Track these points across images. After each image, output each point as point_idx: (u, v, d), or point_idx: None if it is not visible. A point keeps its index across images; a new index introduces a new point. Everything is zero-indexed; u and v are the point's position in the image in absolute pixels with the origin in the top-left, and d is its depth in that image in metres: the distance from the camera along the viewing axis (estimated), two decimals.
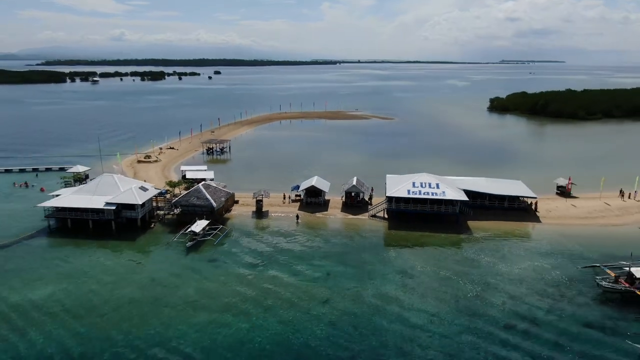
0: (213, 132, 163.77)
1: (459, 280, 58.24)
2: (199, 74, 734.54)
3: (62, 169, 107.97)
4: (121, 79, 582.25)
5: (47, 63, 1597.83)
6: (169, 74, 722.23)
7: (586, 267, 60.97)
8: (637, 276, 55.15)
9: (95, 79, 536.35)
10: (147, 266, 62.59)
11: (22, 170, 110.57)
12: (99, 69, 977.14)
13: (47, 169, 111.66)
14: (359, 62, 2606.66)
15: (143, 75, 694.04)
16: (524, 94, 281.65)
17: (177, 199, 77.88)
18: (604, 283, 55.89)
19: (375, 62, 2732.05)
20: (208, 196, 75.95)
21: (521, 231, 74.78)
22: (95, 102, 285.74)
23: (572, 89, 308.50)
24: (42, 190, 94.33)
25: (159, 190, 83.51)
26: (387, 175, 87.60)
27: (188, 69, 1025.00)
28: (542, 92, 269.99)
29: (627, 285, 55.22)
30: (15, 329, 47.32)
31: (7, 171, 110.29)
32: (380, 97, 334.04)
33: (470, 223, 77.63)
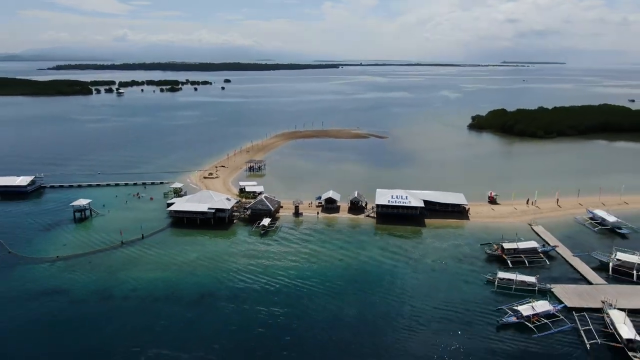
0: (248, 151, 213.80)
1: (414, 249, 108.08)
2: (210, 83, 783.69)
3: (161, 183, 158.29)
4: (142, 90, 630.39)
5: (58, 67, 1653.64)
6: (182, 83, 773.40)
7: (484, 244, 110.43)
8: (505, 247, 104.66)
9: (120, 91, 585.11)
10: (234, 245, 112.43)
11: (126, 184, 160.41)
12: (109, 75, 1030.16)
13: (144, 183, 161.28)
14: (360, 64, 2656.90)
15: (158, 84, 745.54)
16: (502, 111, 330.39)
17: (249, 205, 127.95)
18: (487, 250, 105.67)
19: (377, 64, 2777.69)
20: (268, 204, 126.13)
21: (456, 225, 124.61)
22: (135, 119, 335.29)
23: (544, 106, 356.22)
24: (151, 199, 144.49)
25: (236, 200, 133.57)
26: (377, 190, 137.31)
27: (197, 75, 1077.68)
28: (514, 112, 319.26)
29: (500, 252, 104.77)
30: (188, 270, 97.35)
31: (116, 185, 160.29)
32: (378, 112, 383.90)
33: (427, 220, 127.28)
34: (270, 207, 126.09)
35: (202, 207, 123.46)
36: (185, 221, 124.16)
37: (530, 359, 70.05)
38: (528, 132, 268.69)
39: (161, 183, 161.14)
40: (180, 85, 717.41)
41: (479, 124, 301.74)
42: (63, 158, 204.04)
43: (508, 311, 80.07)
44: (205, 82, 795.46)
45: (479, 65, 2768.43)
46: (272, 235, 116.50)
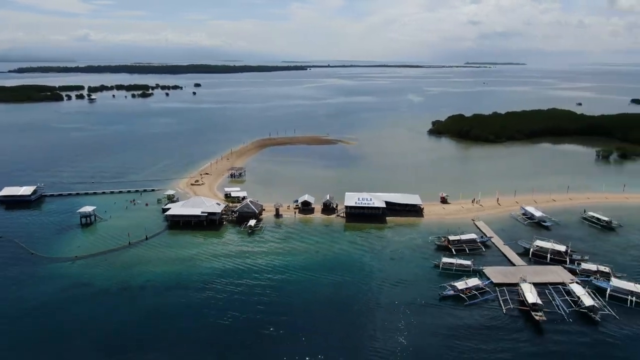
0: (228, 159, 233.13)
1: (377, 242, 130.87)
2: (181, 88, 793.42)
3: (153, 190, 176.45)
4: (113, 96, 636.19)
5: (20, 70, 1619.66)
6: (153, 88, 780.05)
7: (434, 235, 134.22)
8: (450, 239, 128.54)
9: (92, 97, 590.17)
10: (226, 243, 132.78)
11: (120, 192, 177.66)
12: (75, 78, 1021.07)
13: (137, 191, 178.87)
14: (328, 66, 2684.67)
15: (129, 89, 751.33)
16: (460, 116, 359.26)
17: (237, 208, 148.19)
18: (436, 242, 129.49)
19: (344, 65, 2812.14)
20: (253, 207, 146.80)
21: (412, 222, 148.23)
22: (114, 127, 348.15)
23: (500, 110, 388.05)
24: (146, 205, 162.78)
25: (225, 205, 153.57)
26: (346, 193, 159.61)
27: (165, 78, 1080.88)
28: (470, 117, 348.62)
29: (446, 243, 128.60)
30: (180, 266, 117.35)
31: (111, 192, 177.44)
32: (347, 118, 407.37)
33: (388, 218, 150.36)
34: (255, 210, 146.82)
35: (196, 211, 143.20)
36: (181, 224, 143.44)
37: (462, 320, 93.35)
38: (481, 137, 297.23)
39: (152, 190, 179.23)
40: (151, 90, 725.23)
41: (438, 129, 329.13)
42: (54, 167, 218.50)
43: (447, 287, 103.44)
44: (175, 87, 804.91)
45: (443, 67, 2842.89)
46: (258, 234, 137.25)
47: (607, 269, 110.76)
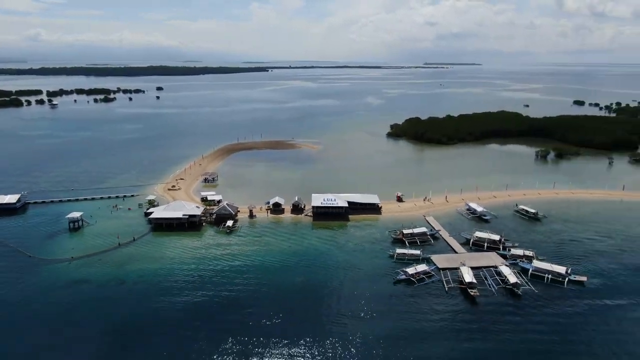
0: (200, 164, 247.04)
1: (341, 237, 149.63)
2: (144, 92, 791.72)
3: (132, 196, 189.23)
4: (75, 101, 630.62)
5: None
6: (114, 91, 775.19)
7: (390, 230, 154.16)
8: (404, 232, 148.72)
9: (54, 102, 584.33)
10: (208, 241, 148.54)
11: (102, 198, 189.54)
12: (31, 82, 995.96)
13: (117, 196, 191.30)
14: (289, 67, 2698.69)
15: (89, 93, 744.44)
16: (417, 119, 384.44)
17: (215, 210, 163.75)
18: (392, 235, 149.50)
19: (305, 66, 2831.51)
20: (230, 209, 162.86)
21: (371, 219, 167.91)
22: (82, 134, 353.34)
23: (454, 113, 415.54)
24: (129, 209, 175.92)
25: (203, 208, 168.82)
26: (312, 194, 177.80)
27: (125, 81, 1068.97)
28: (426, 120, 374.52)
29: (401, 236, 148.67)
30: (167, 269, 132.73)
31: (92, 199, 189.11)
32: (310, 122, 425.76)
33: (350, 216, 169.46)
34: (232, 211, 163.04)
35: (178, 214, 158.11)
36: (164, 226, 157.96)
37: (412, 298, 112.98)
38: (435, 139, 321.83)
39: (132, 196, 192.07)
40: (113, 95, 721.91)
41: (396, 132, 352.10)
42: (30, 175, 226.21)
43: (400, 272, 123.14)
44: (138, 91, 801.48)
45: (402, 67, 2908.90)
46: (236, 233, 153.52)
47: (531, 253, 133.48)
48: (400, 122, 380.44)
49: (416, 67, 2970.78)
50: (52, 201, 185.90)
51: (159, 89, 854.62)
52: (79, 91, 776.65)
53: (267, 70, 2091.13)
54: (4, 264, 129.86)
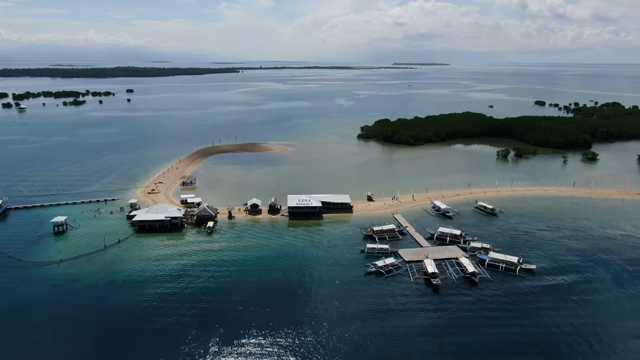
0: (177, 168, 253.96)
1: (315, 235, 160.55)
2: (113, 94, 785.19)
3: (113, 200, 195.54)
4: (44, 104, 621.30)
5: None
6: (83, 94, 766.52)
7: (361, 227, 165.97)
8: (374, 229, 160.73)
9: (22, 106, 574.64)
10: (190, 242, 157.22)
11: (82, 202, 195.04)
12: None
13: (97, 200, 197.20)
14: (260, 68, 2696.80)
15: (58, 96, 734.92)
16: (386, 121, 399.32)
17: (195, 212, 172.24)
18: (363, 232, 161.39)
19: (276, 67, 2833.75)
20: (210, 211, 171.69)
21: (343, 217, 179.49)
22: (56, 139, 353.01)
23: (422, 114, 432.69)
24: (111, 212, 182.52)
25: (184, 210, 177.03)
26: (288, 195, 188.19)
27: (93, 83, 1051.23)
28: (394, 121, 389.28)
29: (371, 233, 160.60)
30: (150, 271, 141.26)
31: (74, 203, 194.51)
32: (283, 124, 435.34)
33: (324, 215, 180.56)
34: (212, 213, 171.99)
35: (160, 216, 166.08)
36: (147, 228, 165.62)
37: (381, 288, 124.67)
38: (403, 140, 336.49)
39: (113, 200, 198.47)
40: (82, 98, 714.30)
41: (366, 134, 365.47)
42: (9, 181, 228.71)
43: (370, 265, 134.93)
44: (107, 93, 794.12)
45: (372, 68, 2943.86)
46: (216, 234, 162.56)
47: (488, 246, 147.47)
48: (370, 124, 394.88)
49: (386, 68, 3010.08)
50: (33, 206, 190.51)
51: (129, 91, 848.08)
52: (47, 94, 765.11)
53: (238, 71, 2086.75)
54: (4, 271, 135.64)
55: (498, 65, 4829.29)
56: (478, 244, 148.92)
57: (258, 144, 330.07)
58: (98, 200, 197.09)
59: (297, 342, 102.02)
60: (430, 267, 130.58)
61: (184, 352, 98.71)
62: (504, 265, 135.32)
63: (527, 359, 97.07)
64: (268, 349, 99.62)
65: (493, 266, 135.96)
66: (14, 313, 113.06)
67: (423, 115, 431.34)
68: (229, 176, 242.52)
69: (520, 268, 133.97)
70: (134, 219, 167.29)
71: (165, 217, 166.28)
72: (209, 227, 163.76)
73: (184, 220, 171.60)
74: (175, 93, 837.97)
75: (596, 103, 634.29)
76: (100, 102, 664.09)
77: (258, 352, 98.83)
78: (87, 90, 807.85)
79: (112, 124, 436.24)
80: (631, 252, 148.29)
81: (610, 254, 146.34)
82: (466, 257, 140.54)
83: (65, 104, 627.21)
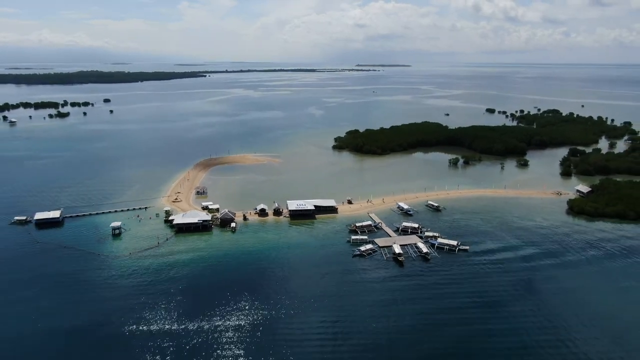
0: (188, 179, 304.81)
1: (312, 230, 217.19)
2: (92, 104, 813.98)
3: (146, 208, 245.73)
4: (30, 117, 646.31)
5: None
6: (62, 105, 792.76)
7: (347, 224, 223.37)
8: (357, 225, 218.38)
9: (12, 120, 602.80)
10: (221, 238, 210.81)
11: (122, 211, 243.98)
12: None
13: (134, 209, 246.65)
14: (226, 71, 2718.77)
15: (37, 107, 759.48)
16: (356, 132, 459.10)
17: (219, 216, 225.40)
18: (348, 227, 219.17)
19: (242, 71, 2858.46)
20: (231, 214, 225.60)
21: (332, 217, 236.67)
22: (64, 154, 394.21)
23: (386, 124, 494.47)
24: (150, 218, 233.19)
25: (211, 215, 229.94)
26: (287, 201, 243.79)
27: (59, 90, 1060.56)
28: (363, 132, 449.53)
29: (355, 228, 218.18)
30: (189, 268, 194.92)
31: (115, 212, 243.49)
32: (264, 137, 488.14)
33: (317, 216, 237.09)
34: (232, 216, 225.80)
35: (194, 220, 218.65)
36: (184, 229, 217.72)
37: (364, 265, 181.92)
38: (372, 150, 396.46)
39: (146, 208, 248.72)
40: (62, 109, 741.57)
41: (340, 145, 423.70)
42: (45, 195, 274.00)
43: (356, 250, 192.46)
44: (86, 103, 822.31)
45: (336, 70, 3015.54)
46: (238, 231, 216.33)
47: (437, 234, 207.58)
48: (342, 134, 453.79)
49: (350, 70, 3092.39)
50: (84, 215, 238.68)
51: (107, 100, 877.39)
52: (25, 105, 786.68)
53: (205, 76, 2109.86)
54: (87, 261, 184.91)
55: (457, 66, 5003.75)
56: (430, 233, 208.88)
57: (248, 155, 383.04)
58: (133, 209, 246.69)
59: (309, 294, 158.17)
60: (397, 250, 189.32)
61: (234, 302, 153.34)
62: (447, 247, 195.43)
63: (465, 307, 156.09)
64: (287, 301, 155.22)
65: (440, 248, 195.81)
66: (112, 289, 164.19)
67: (388, 124, 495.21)
68: (232, 185, 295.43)
69: (459, 249, 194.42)
70: (174, 222, 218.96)
71: (199, 220, 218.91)
72: (232, 227, 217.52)
73: (211, 222, 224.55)
74: (152, 103, 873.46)
75: (539, 110, 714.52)
76: (85, 113, 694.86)
77: (284, 302, 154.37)
78: (65, 101, 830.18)
79: (107, 138, 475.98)
80: (537, 237, 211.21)
81: (524, 238, 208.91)
82: (422, 242, 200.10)
83: (51, 116, 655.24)
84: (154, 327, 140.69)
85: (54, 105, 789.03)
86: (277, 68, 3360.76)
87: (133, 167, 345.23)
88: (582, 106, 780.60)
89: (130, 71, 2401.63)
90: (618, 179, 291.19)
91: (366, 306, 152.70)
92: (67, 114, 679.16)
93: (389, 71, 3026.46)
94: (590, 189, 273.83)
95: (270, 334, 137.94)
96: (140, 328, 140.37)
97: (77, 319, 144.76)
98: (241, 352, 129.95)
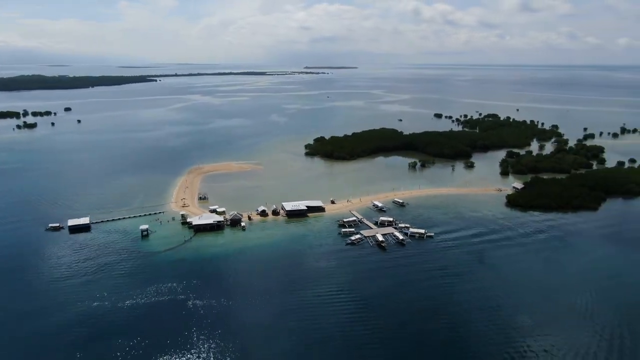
0: (187, 187, 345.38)
1: (306, 226, 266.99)
2: (55, 113, 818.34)
3: (162, 213, 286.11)
4: None
5: None
6: (22, 114, 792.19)
7: (336, 220, 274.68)
8: (344, 220, 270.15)
9: None
10: (234, 235, 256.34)
11: (140, 216, 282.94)
12: None
13: (150, 214, 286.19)
14: (176, 75, 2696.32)
15: (5, 116, 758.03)
16: (323, 139, 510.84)
17: (230, 217, 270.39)
18: (338, 222, 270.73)
19: (191, 74, 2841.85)
20: (239, 216, 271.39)
21: (321, 215, 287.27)
22: (51, 166, 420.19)
23: (347, 131, 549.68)
24: (168, 222, 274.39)
25: (221, 217, 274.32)
26: (282, 203, 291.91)
27: (9, 97, 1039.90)
28: (330, 139, 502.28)
29: (342, 223, 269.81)
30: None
31: (134, 217, 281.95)
32: (238, 144, 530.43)
33: (309, 214, 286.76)
34: (240, 217, 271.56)
35: (210, 221, 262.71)
36: (202, 229, 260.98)
37: (355, 251, 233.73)
38: (341, 156, 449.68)
39: (162, 213, 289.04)
40: (22, 117, 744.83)
41: (311, 152, 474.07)
42: (59, 204, 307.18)
43: (347, 240, 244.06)
44: (47, 112, 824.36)
45: (286, 73, 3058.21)
46: (247, 229, 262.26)
47: (408, 225, 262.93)
48: (310, 141, 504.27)
49: (299, 73, 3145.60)
50: (108, 220, 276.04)
51: (67, 109, 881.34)
52: None
53: (156, 80, 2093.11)
54: (138, 258, 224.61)
55: (399, 67, 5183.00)
56: (403, 225, 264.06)
57: (231, 163, 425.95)
58: (150, 214, 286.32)
59: (323, 269, 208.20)
60: (380, 238, 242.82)
61: (264, 283, 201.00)
62: (417, 234, 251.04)
63: (434, 276, 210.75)
64: (308, 275, 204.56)
65: (412, 236, 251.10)
66: (161, 278, 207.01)
67: (349, 131, 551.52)
68: (227, 191, 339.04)
69: (426, 235, 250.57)
70: (193, 223, 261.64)
71: (214, 221, 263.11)
72: (242, 226, 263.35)
73: (224, 222, 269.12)
74: (115, 111, 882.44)
75: (480, 114, 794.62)
76: (52, 124, 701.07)
77: (308, 277, 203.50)
78: (25, 110, 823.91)
79: (88, 149, 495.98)
80: (484, 223, 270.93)
81: (474, 225, 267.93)
82: (398, 232, 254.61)
83: (19, 127, 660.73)
84: (213, 302, 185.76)
85: (15, 115, 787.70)
86: (226, 71, 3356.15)
87: (130, 177, 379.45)
88: (517, 110, 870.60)
89: (71, 74, 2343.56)
90: (544, 177, 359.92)
91: (364, 277, 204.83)
92: (34, 125, 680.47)
93: (337, 74, 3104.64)
94: (523, 186, 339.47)
95: (302, 296, 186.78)
96: (198, 302, 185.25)
97: (156, 296, 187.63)
98: (282, 309, 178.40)
